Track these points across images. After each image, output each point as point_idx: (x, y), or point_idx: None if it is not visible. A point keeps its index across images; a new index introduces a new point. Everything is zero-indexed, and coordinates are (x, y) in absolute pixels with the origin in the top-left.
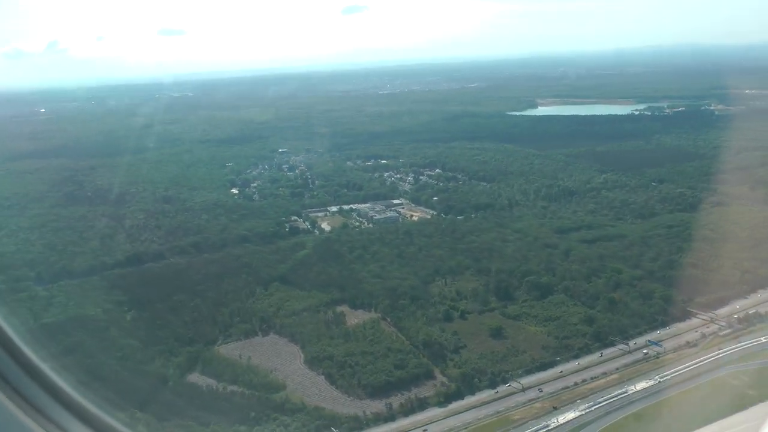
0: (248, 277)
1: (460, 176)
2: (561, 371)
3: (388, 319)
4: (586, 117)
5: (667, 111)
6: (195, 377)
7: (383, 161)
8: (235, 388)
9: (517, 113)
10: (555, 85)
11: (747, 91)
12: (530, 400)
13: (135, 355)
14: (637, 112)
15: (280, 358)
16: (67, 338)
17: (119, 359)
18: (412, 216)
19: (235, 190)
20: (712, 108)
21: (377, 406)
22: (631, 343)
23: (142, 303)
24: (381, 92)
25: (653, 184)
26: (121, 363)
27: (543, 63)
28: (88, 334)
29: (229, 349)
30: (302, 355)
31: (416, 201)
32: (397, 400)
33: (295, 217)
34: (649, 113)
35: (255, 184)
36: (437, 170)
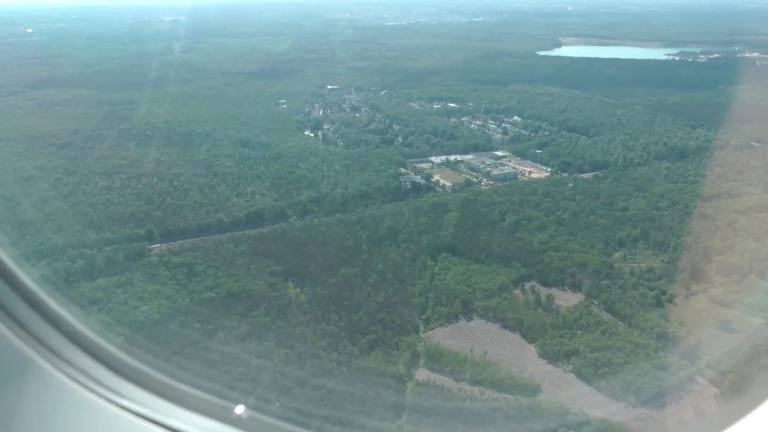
0: (409, 245)
1: (545, 126)
2: None
3: (596, 302)
4: (628, 61)
5: (702, 57)
6: (424, 374)
7: (451, 104)
8: (484, 389)
9: (549, 53)
10: (567, 22)
11: None
12: None
13: (342, 346)
14: (677, 58)
15: (506, 350)
16: (244, 320)
17: (326, 350)
18: (530, 173)
19: (309, 133)
20: (748, 56)
21: (662, 417)
22: None
23: (303, 276)
24: (389, 24)
25: (753, 144)
26: (332, 356)
27: None
28: (268, 316)
29: (439, 337)
30: (533, 348)
31: (519, 154)
32: (677, 411)
33: (403, 170)
34: (690, 59)
35: (327, 127)
36: (515, 117)
